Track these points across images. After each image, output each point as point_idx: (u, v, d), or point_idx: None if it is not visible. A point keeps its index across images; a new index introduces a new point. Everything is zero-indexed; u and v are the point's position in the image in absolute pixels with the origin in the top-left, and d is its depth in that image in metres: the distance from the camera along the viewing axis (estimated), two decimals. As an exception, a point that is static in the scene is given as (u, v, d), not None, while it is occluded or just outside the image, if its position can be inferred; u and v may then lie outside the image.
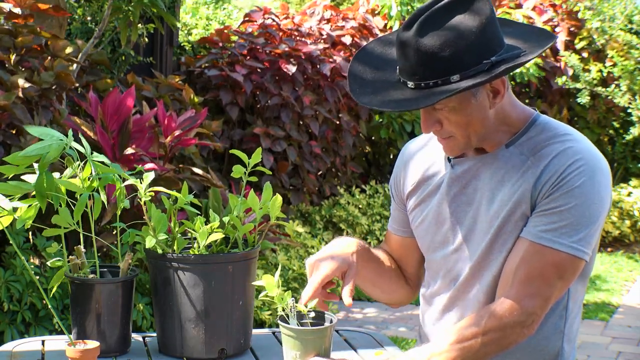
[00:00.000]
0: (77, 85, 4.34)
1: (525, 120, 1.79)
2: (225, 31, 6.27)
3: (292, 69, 5.89)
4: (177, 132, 4.19)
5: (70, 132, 1.80)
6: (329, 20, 7.09)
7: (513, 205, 1.73)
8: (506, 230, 1.75)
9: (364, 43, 6.76)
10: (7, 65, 3.96)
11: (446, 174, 1.86)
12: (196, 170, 4.38)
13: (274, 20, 6.45)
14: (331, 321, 1.75)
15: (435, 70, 1.64)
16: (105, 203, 1.87)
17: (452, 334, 1.71)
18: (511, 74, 7.09)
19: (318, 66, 6.20)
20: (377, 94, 1.72)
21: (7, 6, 3.95)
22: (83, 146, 1.81)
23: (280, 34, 6.29)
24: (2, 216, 1.75)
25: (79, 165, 1.83)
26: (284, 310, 1.73)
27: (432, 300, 1.93)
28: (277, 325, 1.79)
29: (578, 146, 1.73)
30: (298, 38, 6.41)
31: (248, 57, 6.08)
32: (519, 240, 1.74)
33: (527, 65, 6.97)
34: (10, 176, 1.79)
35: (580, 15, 7.35)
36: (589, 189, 1.69)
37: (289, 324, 1.73)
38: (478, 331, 1.69)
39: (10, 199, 1.76)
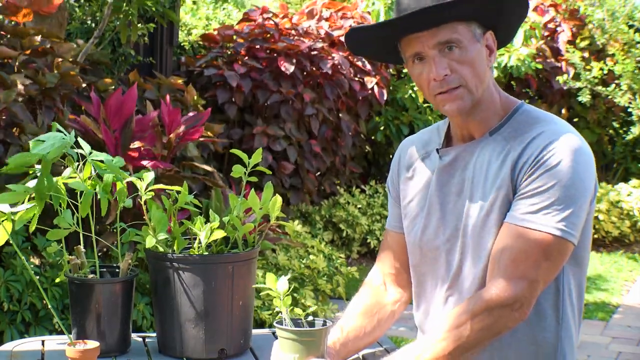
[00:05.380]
0: (83, 85, 4.35)
1: (509, 108, 1.82)
2: (226, 31, 6.27)
3: (290, 67, 5.88)
4: (181, 129, 4.18)
5: (72, 133, 1.80)
6: (327, 19, 7.09)
7: (496, 192, 1.74)
8: (492, 218, 1.75)
9: None
10: (13, 65, 3.97)
11: (436, 165, 1.87)
12: (201, 166, 4.38)
13: (271, 19, 6.45)
14: (325, 324, 1.75)
15: None
16: (111, 201, 1.87)
17: (445, 322, 1.72)
18: (508, 67, 7.15)
19: (319, 64, 6.20)
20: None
21: None
22: (81, 147, 1.80)
23: (278, 33, 6.29)
24: (3, 220, 1.74)
25: (79, 165, 1.82)
26: (277, 316, 1.74)
27: (426, 298, 1.93)
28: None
29: (555, 128, 1.74)
30: (297, 37, 6.41)
31: (246, 57, 6.07)
32: (503, 225, 1.74)
33: (522, 56, 7.03)
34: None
35: (582, 11, 7.36)
36: (567, 169, 1.69)
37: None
38: (468, 317, 1.69)
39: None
